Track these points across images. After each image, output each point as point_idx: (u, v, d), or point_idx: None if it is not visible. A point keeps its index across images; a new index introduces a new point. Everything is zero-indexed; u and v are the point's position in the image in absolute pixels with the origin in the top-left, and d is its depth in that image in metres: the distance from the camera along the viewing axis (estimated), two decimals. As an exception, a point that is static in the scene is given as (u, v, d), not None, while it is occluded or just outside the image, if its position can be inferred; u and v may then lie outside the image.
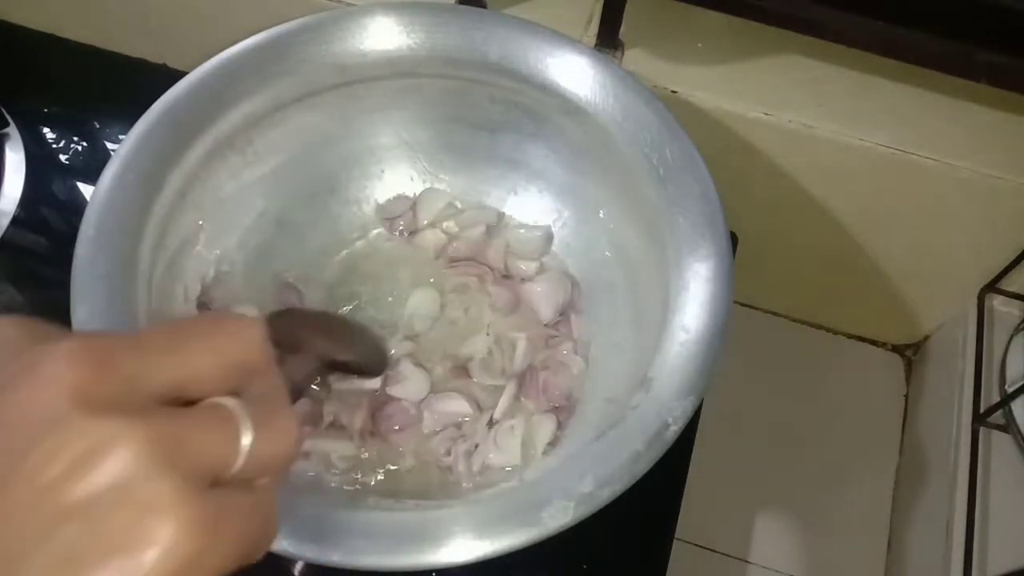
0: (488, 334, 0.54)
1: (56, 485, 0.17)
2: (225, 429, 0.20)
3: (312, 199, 0.56)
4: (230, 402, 0.21)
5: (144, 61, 0.74)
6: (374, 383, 0.51)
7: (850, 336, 0.90)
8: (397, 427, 0.50)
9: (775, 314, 0.90)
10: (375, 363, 0.43)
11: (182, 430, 0.19)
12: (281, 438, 0.21)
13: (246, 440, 0.20)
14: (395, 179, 0.58)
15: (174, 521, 0.17)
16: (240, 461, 0.20)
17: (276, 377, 0.23)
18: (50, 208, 0.64)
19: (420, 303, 0.55)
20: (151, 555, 0.17)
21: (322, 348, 0.37)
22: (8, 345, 0.19)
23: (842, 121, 0.63)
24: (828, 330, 0.91)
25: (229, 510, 0.19)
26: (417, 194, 0.58)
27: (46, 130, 0.67)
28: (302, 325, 0.39)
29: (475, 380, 0.52)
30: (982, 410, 0.71)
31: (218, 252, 0.51)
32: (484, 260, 0.56)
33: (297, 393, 0.35)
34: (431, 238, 0.57)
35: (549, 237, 0.57)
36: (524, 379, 0.52)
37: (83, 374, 0.18)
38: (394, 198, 0.58)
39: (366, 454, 0.49)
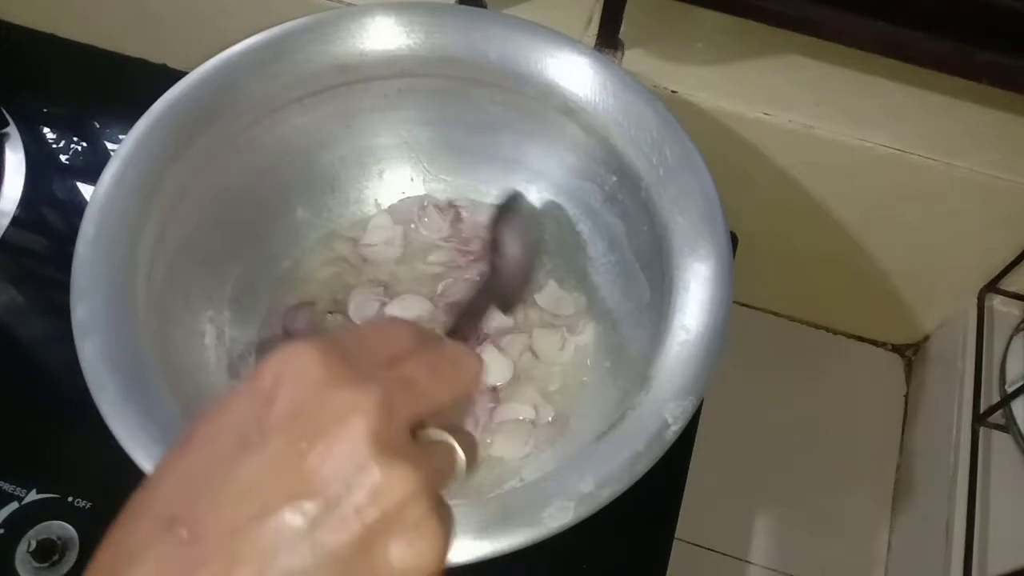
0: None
1: (363, 512, 0.23)
2: (454, 463, 0.26)
3: (312, 199, 0.56)
4: (453, 441, 0.26)
5: (144, 61, 0.74)
6: None
7: (850, 336, 0.90)
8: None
9: (775, 314, 0.90)
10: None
11: (435, 469, 0.25)
12: (476, 460, 0.28)
13: (462, 467, 0.27)
14: (395, 179, 0.58)
15: (435, 544, 0.24)
16: (459, 478, 0.27)
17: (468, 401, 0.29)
18: (50, 208, 0.64)
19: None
20: (417, 568, 0.23)
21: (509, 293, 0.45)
22: (321, 383, 0.24)
23: (842, 121, 0.63)
24: (828, 330, 0.91)
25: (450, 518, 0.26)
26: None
27: (46, 130, 0.67)
28: (511, 258, 0.46)
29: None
30: (982, 410, 0.71)
31: (218, 251, 0.51)
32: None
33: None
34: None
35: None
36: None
37: (378, 425, 0.23)
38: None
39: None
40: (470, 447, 0.27)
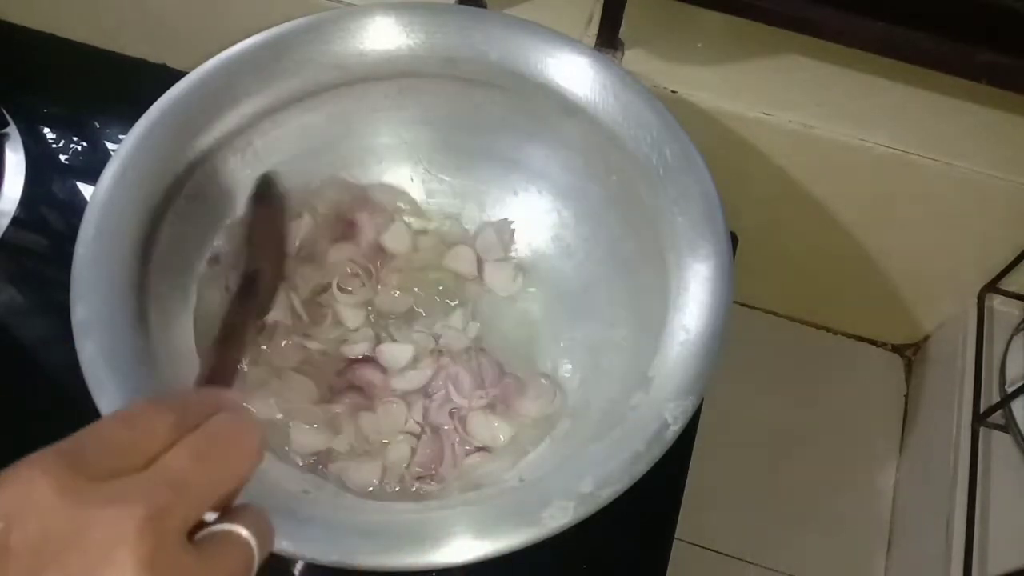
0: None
1: None
2: (245, 557, 0.23)
3: (312, 199, 0.56)
4: (241, 532, 0.23)
5: (144, 61, 0.74)
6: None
7: (850, 336, 0.90)
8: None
9: (775, 314, 0.90)
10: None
11: (226, 573, 0.22)
12: (270, 544, 0.24)
13: (257, 557, 0.23)
14: (395, 179, 0.58)
15: None
16: (253, 569, 0.24)
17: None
18: (50, 208, 0.64)
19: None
20: None
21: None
22: (66, 522, 0.19)
23: (842, 121, 0.63)
24: (828, 330, 0.91)
25: None
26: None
27: (46, 130, 0.68)
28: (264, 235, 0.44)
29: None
30: (982, 410, 0.71)
31: (218, 251, 0.51)
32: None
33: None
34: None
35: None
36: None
37: (147, 554, 0.19)
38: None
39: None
40: (262, 530, 0.24)
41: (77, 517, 0.19)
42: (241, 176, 0.52)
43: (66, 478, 0.20)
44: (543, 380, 0.52)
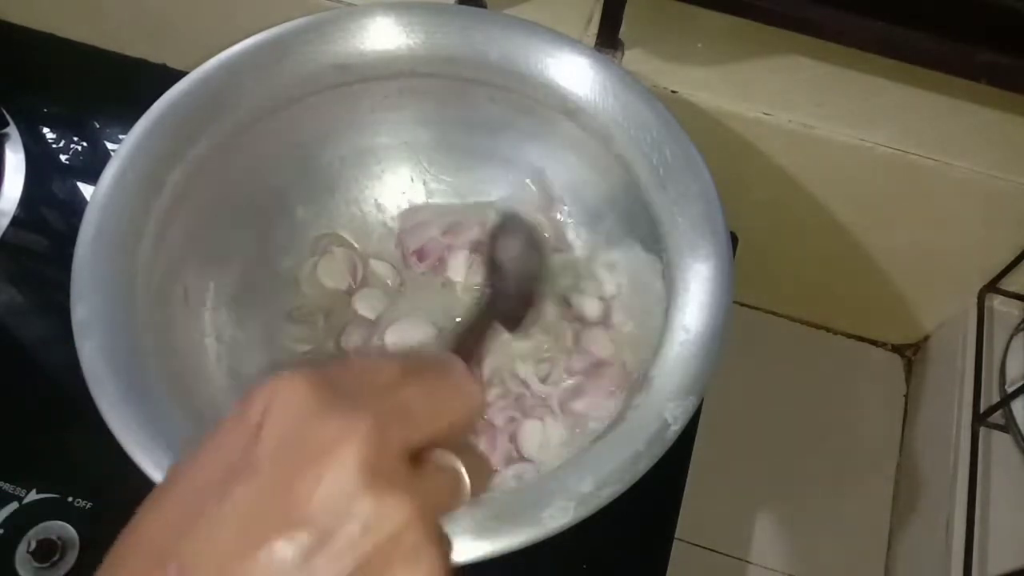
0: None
1: (356, 542, 0.22)
2: (457, 487, 0.26)
3: (312, 199, 0.56)
4: (457, 464, 0.26)
5: (144, 61, 0.74)
6: None
7: (850, 336, 0.90)
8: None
9: (775, 314, 0.90)
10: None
11: (434, 495, 0.25)
12: (483, 484, 0.27)
13: (467, 492, 0.26)
14: (395, 179, 0.58)
15: (433, 563, 0.23)
16: (463, 502, 0.26)
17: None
18: (50, 208, 0.64)
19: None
20: None
21: (506, 310, 0.44)
22: (309, 414, 0.24)
23: (842, 121, 0.63)
24: (828, 330, 0.91)
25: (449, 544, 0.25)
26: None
27: (46, 130, 0.67)
28: (507, 273, 0.46)
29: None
30: (982, 410, 0.71)
31: (218, 251, 0.51)
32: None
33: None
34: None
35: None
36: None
37: (370, 453, 0.23)
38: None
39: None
40: (479, 470, 0.27)
41: (319, 416, 0.23)
42: (242, 176, 0.52)
43: (319, 388, 0.24)
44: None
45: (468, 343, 0.39)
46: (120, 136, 0.66)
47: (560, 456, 0.48)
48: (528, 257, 0.48)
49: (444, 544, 0.24)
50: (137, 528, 0.24)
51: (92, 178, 0.48)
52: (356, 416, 0.23)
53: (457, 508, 0.26)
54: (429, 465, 0.26)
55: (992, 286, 0.75)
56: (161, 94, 0.48)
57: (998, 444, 0.71)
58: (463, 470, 0.26)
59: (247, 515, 0.22)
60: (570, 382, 0.51)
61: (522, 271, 0.47)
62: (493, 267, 0.47)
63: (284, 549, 0.22)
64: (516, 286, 0.46)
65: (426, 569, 0.23)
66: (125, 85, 0.71)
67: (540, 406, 0.50)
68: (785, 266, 0.82)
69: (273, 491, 0.23)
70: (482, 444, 0.49)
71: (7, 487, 0.50)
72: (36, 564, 0.48)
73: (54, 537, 0.48)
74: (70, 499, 0.50)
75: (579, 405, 0.50)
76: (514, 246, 0.48)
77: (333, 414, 0.23)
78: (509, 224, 0.49)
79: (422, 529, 0.23)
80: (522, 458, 0.49)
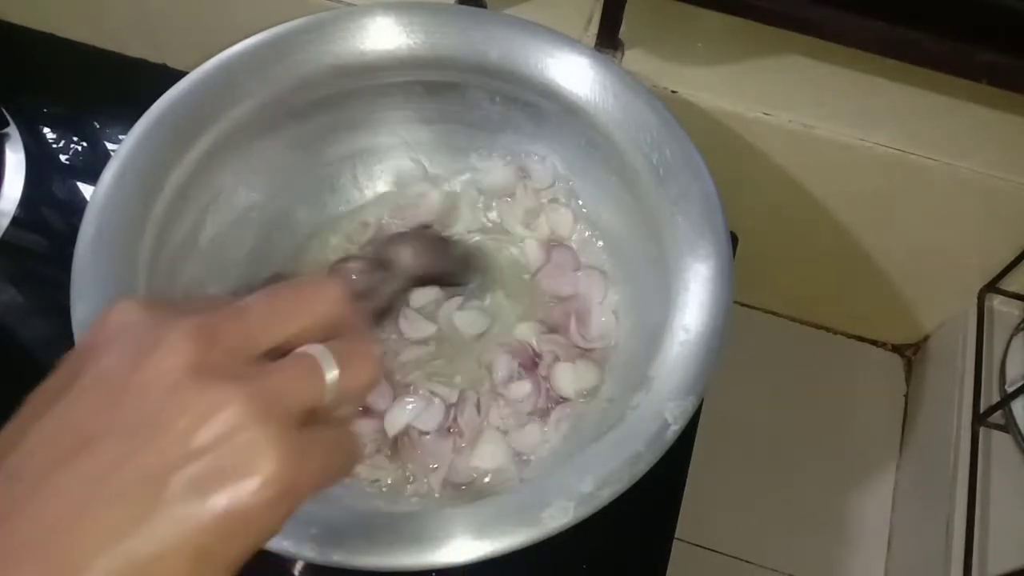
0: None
1: (182, 436, 0.22)
2: (312, 374, 0.25)
3: (312, 199, 0.56)
4: (315, 349, 0.25)
5: (144, 61, 0.74)
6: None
7: (850, 336, 0.90)
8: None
9: (775, 314, 0.90)
10: (463, 272, 0.52)
11: (275, 384, 0.23)
12: (361, 371, 0.26)
13: (331, 378, 0.25)
14: (395, 179, 0.58)
15: (271, 457, 0.22)
16: (328, 396, 0.25)
17: (357, 321, 0.27)
18: (50, 208, 0.64)
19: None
20: (254, 482, 0.22)
21: (410, 265, 0.46)
22: (139, 324, 0.24)
23: (842, 121, 0.63)
24: (828, 330, 0.91)
25: (316, 444, 0.24)
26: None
27: (46, 130, 0.67)
28: (394, 244, 0.48)
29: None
30: (982, 410, 0.71)
31: (218, 252, 0.51)
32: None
33: (386, 310, 0.42)
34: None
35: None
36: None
37: (196, 349, 0.23)
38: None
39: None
40: (352, 358, 0.25)
41: (146, 325, 0.24)
42: (241, 176, 0.52)
43: (152, 306, 0.25)
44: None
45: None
46: (120, 136, 0.66)
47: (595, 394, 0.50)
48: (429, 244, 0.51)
49: (303, 434, 0.23)
50: None
51: (92, 178, 0.48)
52: (181, 318, 0.23)
53: (323, 396, 0.25)
54: (282, 360, 0.25)
55: (992, 286, 0.75)
56: (161, 94, 0.48)
57: (998, 444, 0.71)
58: (320, 356, 0.25)
59: (70, 422, 0.22)
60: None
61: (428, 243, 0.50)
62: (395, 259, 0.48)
63: (104, 451, 0.22)
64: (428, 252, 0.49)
65: (266, 459, 0.22)
66: (125, 85, 0.71)
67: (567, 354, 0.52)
68: (785, 266, 0.82)
69: (100, 393, 0.23)
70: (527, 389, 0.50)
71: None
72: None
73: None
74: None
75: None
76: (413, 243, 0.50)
77: (159, 323, 0.24)
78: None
79: (259, 418, 0.22)
80: (561, 399, 0.51)
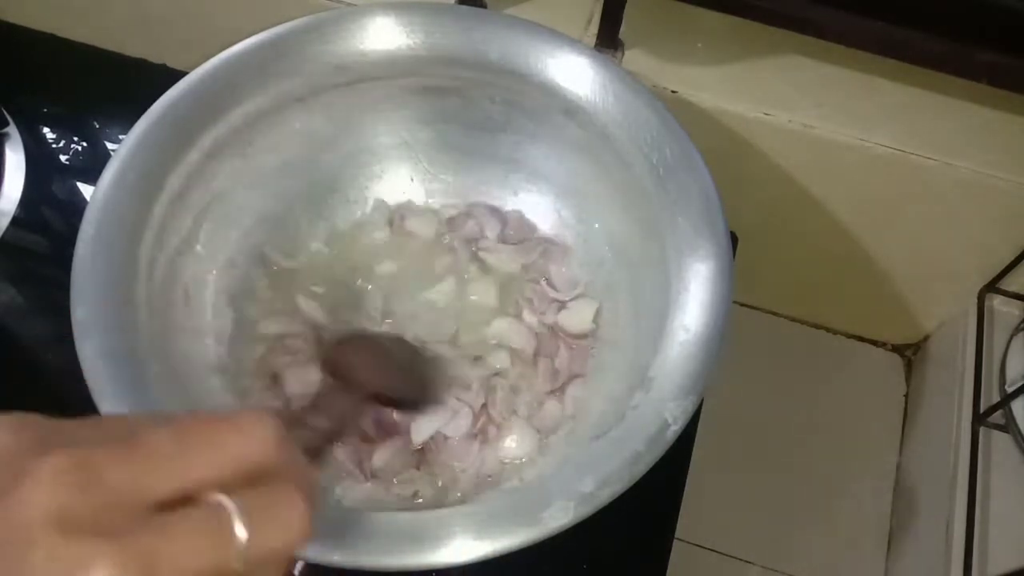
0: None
1: None
2: (216, 531, 0.20)
3: (312, 199, 0.56)
4: (224, 500, 0.20)
5: (144, 61, 0.74)
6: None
7: (850, 336, 0.90)
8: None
9: (775, 314, 0.90)
10: (420, 401, 0.47)
11: (165, 543, 0.19)
12: (282, 532, 0.21)
13: (240, 536, 0.20)
14: (395, 179, 0.58)
15: None
16: (238, 561, 0.20)
17: (290, 465, 0.22)
18: (50, 208, 0.64)
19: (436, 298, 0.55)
20: None
21: (371, 384, 0.40)
22: (2, 452, 0.20)
23: (842, 121, 0.63)
24: (828, 330, 0.91)
25: None
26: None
27: (46, 130, 0.67)
28: (357, 356, 0.42)
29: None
30: (982, 410, 0.71)
31: (218, 252, 0.51)
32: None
33: (338, 432, 0.37)
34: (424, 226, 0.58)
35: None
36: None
37: (64, 494, 0.18)
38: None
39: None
40: (271, 511, 0.21)
41: (16, 449, 0.20)
42: (241, 176, 0.52)
43: (19, 429, 0.20)
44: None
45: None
46: (120, 136, 0.66)
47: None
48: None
49: None
50: None
51: (92, 178, 0.48)
52: (54, 450, 0.19)
53: (229, 558, 0.20)
54: (178, 511, 0.20)
55: (992, 286, 0.75)
56: (161, 94, 0.48)
57: (998, 444, 0.71)
58: (228, 508, 0.20)
59: None
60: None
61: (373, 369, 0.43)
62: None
63: None
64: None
65: None
66: (125, 85, 0.71)
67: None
68: (785, 266, 0.82)
69: None
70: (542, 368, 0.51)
71: (7, 487, 0.50)
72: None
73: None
74: (70, 499, 0.50)
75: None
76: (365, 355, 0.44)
77: (24, 455, 0.19)
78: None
79: None
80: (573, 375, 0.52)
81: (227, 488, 0.21)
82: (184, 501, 0.20)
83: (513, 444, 0.49)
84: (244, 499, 0.20)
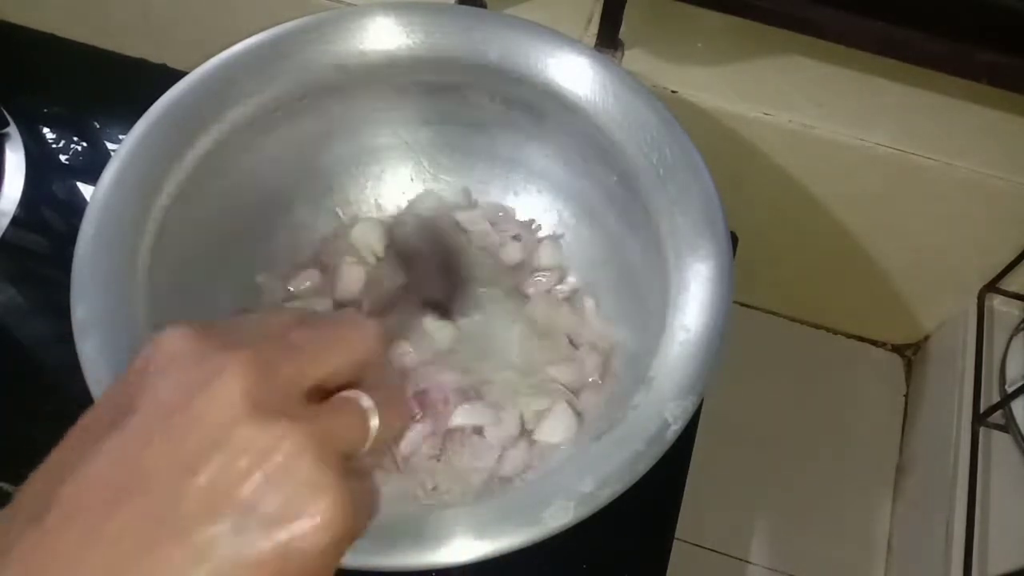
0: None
1: (243, 474, 0.21)
2: (359, 420, 0.25)
3: (312, 199, 0.56)
4: (363, 398, 0.25)
5: (144, 61, 0.74)
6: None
7: (850, 336, 0.91)
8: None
9: (775, 314, 0.90)
10: (457, 309, 0.52)
11: (329, 426, 0.24)
12: (396, 420, 0.26)
13: (374, 426, 0.25)
14: (395, 179, 0.58)
15: (330, 500, 0.22)
16: (369, 443, 0.25)
17: (390, 367, 0.29)
18: (50, 208, 0.64)
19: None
20: (312, 524, 0.22)
21: (428, 290, 0.49)
22: (192, 354, 0.23)
23: (842, 121, 0.63)
24: (828, 330, 0.91)
25: (361, 493, 0.24)
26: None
27: (46, 130, 0.68)
28: (420, 259, 0.51)
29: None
30: (982, 410, 0.71)
31: (217, 252, 0.51)
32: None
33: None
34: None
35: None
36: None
37: (252, 384, 0.22)
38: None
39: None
40: (388, 402, 0.26)
41: (199, 356, 0.23)
42: (241, 176, 0.52)
43: (202, 335, 0.24)
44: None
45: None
46: (120, 136, 0.66)
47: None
48: (441, 251, 0.52)
49: (348, 481, 0.23)
50: (34, 476, 0.23)
51: (92, 178, 0.48)
52: (236, 351, 0.23)
53: (364, 444, 0.25)
54: (331, 401, 0.25)
55: (992, 286, 0.75)
56: (161, 94, 0.48)
57: (998, 444, 0.71)
58: (367, 405, 0.25)
59: (125, 456, 0.22)
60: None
61: (438, 263, 0.51)
62: (408, 264, 0.50)
63: (162, 489, 0.21)
64: (435, 276, 0.50)
65: (325, 503, 0.22)
66: (125, 85, 0.71)
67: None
68: (785, 266, 0.82)
69: (149, 431, 0.22)
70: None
71: (7, 487, 0.50)
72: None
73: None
74: (70, 499, 0.50)
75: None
76: (425, 244, 0.52)
77: (213, 353, 0.23)
78: (416, 226, 0.53)
79: (317, 460, 0.22)
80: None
81: (348, 376, 0.26)
82: (327, 391, 0.25)
83: (556, 430, 0.49)
84: (375, 397, 0.26)
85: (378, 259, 0.56)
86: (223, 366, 0.22)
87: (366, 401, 0.25)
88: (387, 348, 0.28)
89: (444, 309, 0.50)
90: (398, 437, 0.27)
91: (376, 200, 0.58)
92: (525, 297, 0.55)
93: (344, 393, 0.25)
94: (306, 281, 0.54)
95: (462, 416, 0.49)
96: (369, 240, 0.56)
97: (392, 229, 0.56)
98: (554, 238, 0.57)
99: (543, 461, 0.49)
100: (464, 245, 0.55)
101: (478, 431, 0.49)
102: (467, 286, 0.53)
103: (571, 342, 0.53)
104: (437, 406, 0.49)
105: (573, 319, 0.54)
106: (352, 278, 0.54)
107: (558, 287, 0.55)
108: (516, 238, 0.56)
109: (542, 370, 0.52)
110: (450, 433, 0.49)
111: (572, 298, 0.55)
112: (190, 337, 0.24)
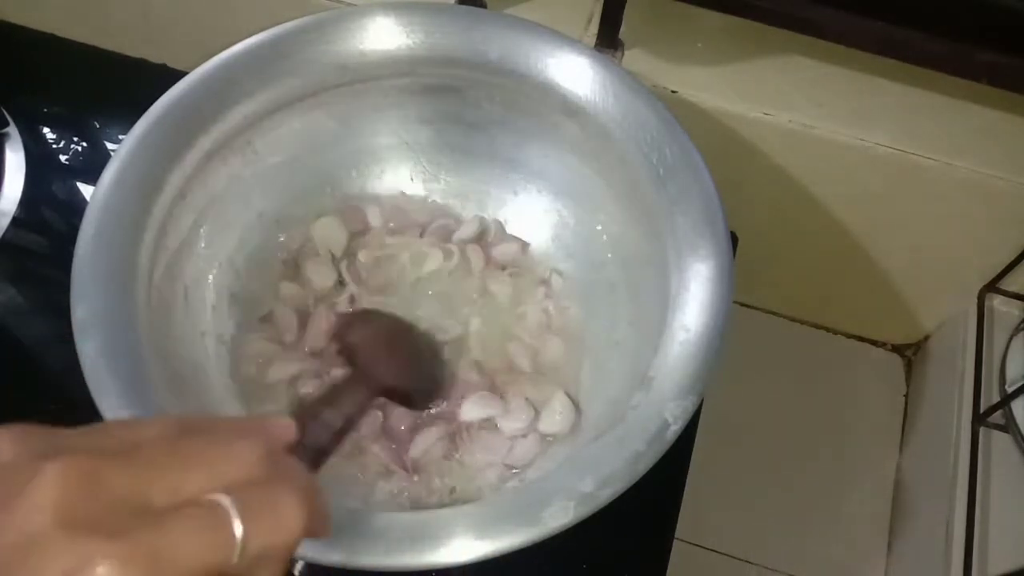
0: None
1: None
2: (215, 528, 0.21)
3: (312, 199, 0.56)
4: (221, 498, 0.21)
5: (144, 61, 0.74)
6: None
7: (850, 336, 0.91)
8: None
9: (775, 314, 0.90)
10: (423, 396, 0.48)
11: (166, 540, 0.20)
12: (278, 527, 0.22)
13: (238, 533, 0.21)
14: (395, 179, 0.58)
15: None
16: (237, 556, 0.21)
17: (280, 475, 0.23)
18: (50, 208, 0.64)
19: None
20: None
21: (377, 376, 0.40)
22: (10, 459, 0.21)
23: (842, 121, 0.63)
24: (828, 330, 0.91)
25: None
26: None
27: (46, 130, 0.68)
28: (365, 346, 0.43)
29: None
30: (982, 410, 0.71)
31: (218, 252, 0.51)
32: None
33: (346, 428, 0.37)
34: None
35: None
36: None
37: (68, 496, 0.19)
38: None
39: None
40: (272, 507, 0.22)
41: (25, 455, 0.21)
42: (241, 176, 0.52)
43: (28, 439, 0.21)
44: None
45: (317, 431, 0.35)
46: (120, 136, 0.66)
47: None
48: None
49: None
50: None
51: (92, 178, 0.48)
52: (60, 455, 0.20)
53: (231, 556, 0.21)
54: (179, 508, 0.21)
55: (992, 286, 0.75)
56: (161, 94, 0.48)
57: (998, 444, 0.71)
58: (230, 507, 0.21)
59: None
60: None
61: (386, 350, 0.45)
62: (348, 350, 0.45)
63: None
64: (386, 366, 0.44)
65: None
66: (125, 85, 0.71)
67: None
68: (785, 266, 0.82)
69: None
70: None
71: (7, 487, 0.50)
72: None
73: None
74: (70, 499, 0.50)
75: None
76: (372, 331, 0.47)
77: (34, 456, 0.20)
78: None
79: None
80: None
81: (223, 490, 0.22)
82: (182, 503, 0.21)
83: (555, 421, 0.50)
84: (240, 497, 0.21)
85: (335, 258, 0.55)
86: (38, 472, 0.20)
87: (223, 501, 0.21)
88: (273, 466, 0.23)
89: (405, 397, 0.46)
90: (292, 544, 0.22)
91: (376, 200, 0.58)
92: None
93: (203, 498, 0.21)
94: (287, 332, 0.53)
95: (470, 410, 0.49)
96: (328, 238, 0.56)
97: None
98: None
99: (544, 456, 0.49)
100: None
101: (485, 426, 0.50)
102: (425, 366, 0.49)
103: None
104: (397, 434, 0.49)
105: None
106: (321, 329, 0.52)
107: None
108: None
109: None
110: (459, 430, 0.49)
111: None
112: (11, 441, 0.21)
